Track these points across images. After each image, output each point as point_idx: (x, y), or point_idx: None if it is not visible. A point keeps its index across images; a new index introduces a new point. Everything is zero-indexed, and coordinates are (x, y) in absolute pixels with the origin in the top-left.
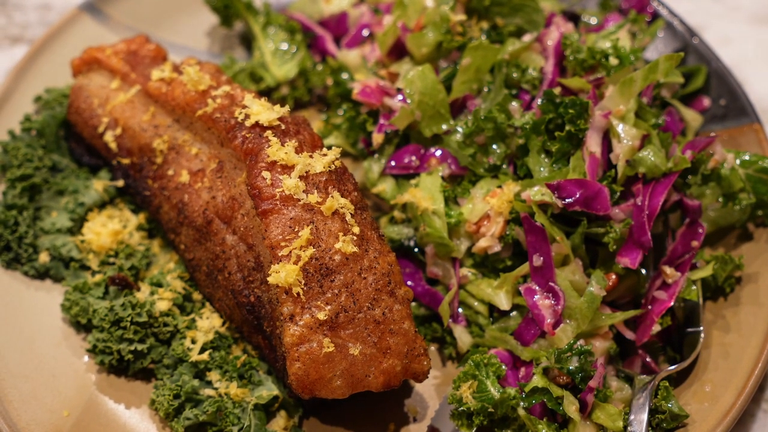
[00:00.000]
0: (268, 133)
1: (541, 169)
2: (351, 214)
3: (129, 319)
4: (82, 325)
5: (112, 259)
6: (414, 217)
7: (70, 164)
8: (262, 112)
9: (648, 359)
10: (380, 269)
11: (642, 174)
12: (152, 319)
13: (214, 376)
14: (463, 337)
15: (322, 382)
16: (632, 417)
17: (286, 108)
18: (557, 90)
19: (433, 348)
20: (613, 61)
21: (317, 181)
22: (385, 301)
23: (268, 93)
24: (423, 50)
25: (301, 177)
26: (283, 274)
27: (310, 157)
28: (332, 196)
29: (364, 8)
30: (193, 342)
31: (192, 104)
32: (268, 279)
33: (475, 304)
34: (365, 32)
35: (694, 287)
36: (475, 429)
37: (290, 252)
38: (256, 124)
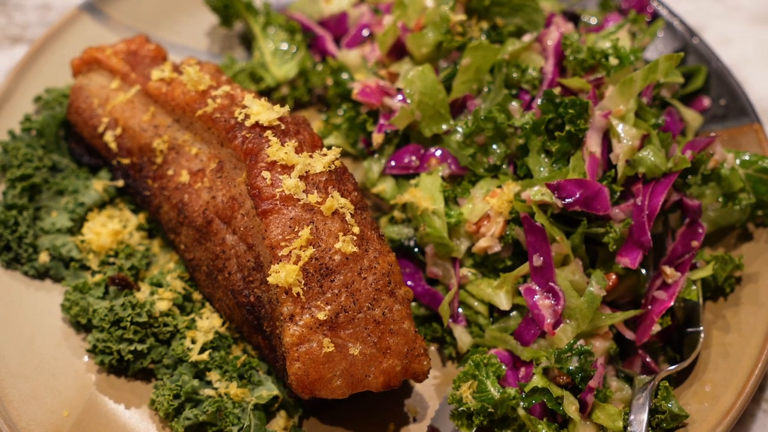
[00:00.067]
0: (268, 133)
1: (541, 169)
2: (351, 214)
3: (129, 319)
4: (82, 325)
5: (112, 259)
6: (414, 217)
7: (70, 164)
8: (262, 112)
9: (648, 359)
10: (380, 269)
11: (642, 174)
12: (152, 319)
13: (214, 376)
14: (463, 337)
15: (322, 382)
16: (632, 417)
17: (286, 108)
18: (557, 90)
19: (433, 348)
20: (613, 61)
21: (317, 181)
22: (385, 301)
23: (268, 93)
24: (423, 50)
25: (301, 177)
26: (283, 274)
27: (310, 157)
28: (332, 196)
29: (364, 8)
30: (193, 342)
31: (192, 104)
32: (268, 279)
33: (475, 304)
34: (365, 32)
35: (694, 287)
36: (475, 429)
37: (290, 252)
38: (256, 124)
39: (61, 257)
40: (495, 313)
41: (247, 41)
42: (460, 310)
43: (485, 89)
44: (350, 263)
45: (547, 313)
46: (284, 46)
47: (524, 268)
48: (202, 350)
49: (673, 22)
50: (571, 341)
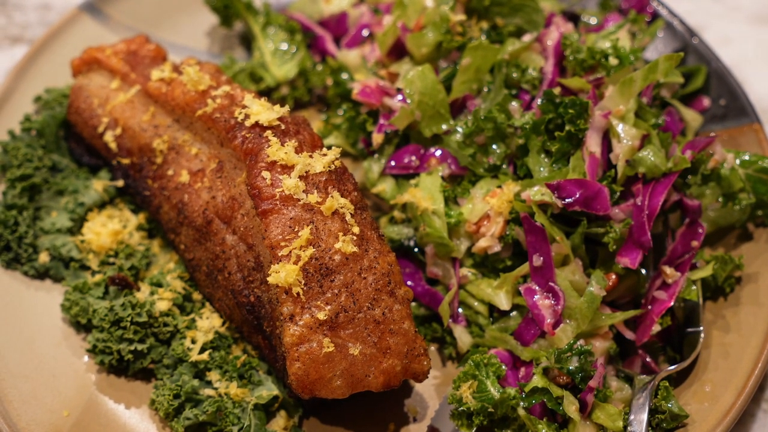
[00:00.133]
0: (268, 133)
1: (541, 169)
2: (351, 214)
3: (129, 319)
4: (82, 325)
5: (112, 259)
6: (414, 217)
7: (70, 164)
8: (262, 112)
9: (648, 359)
10: (380, 269)
11: (642, 174)
12: (152, 319)
13: (214, 376)
14: (463, 337)
15: (322, 382)
16: (632, 417)
17: (286, 108)
18: (557, 90)
19: (433, 348)
20: (613, 61)
21: (317, 181)
22: (385, 301)
23: (268, 93)
24: (423, 50)
25: (301, 177)
26: (283, 274)
27: (310, 157)
28: (332, 196)
29: (364, 8)
30: (193, 342)
31: (192, 104)
32: (268, 279)
33: (475, 304)
34: (365, 32)
35: (694, 287)
36: (475, 429)
37: (290, 252)
38: (256, 124)
39: (61, 257)
40: (495, 313)
41: (247, 41)
42: (460, 310)
43: (485, 89)
44: (350, 263)
45: (547, 313)
46: (284, 46)
47: (524, 268)
48: (202, 350)
49: (673, 22)
50: (571, 341)
